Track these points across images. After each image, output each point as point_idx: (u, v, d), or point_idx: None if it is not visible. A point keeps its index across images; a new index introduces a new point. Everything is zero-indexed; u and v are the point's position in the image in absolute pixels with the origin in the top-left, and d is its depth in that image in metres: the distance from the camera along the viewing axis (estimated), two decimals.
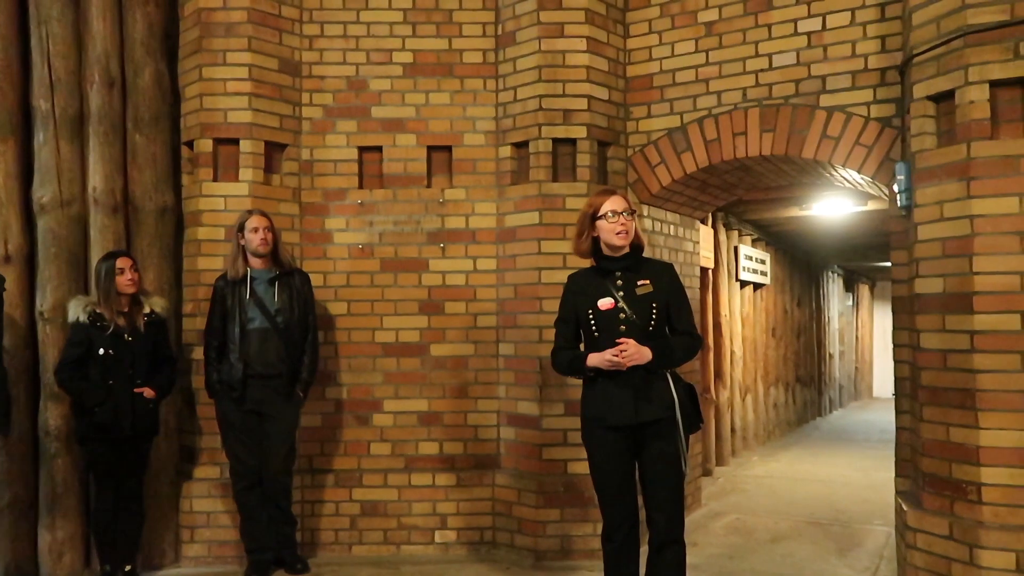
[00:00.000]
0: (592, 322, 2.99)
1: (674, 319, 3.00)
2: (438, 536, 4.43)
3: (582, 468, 4.04)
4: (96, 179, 4.12)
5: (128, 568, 3.88)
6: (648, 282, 2.96)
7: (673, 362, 2.96)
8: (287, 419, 4.04)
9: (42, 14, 4.05)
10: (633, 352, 2.83)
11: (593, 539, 3.94)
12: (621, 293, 2.95)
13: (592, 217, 3.00)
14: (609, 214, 2.96)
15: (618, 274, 2.98)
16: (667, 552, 2.94)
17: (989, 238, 3.16)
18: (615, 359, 2.84)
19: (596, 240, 3.02)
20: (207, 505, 4.27)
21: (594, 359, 2.92)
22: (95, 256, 4.03)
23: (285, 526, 4.12)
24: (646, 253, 4.62)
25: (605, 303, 2.96)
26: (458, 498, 4.44)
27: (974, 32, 3.16)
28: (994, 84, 3.16)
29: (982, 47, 3.15)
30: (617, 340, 2.87)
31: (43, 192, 4.03)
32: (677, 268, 4.98)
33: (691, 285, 5.22)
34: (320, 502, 4.43)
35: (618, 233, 2.95)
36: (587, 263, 3.13)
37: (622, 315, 2.93)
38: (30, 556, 3.99)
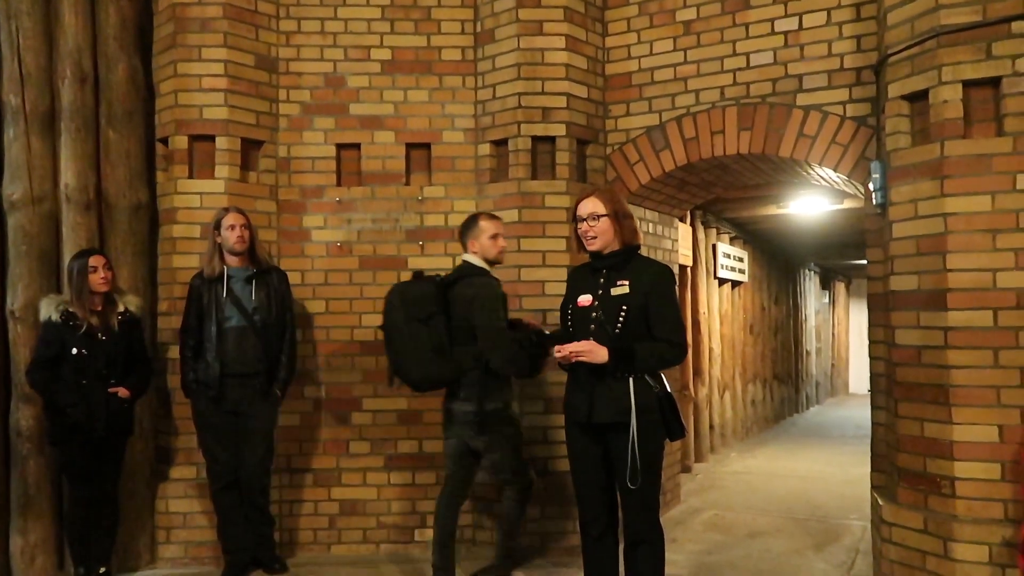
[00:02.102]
0: (569, 316, 3.02)
1: (652, 324, 2.90)
2: (418, 535, 4.42)
3: (561, 466, 4.05)
4: (68, 176, 4.05)
5: (103, 570, 3.83)
6: (627, 283, 2.92)
7: (636, 368, 2.84)
8: (265, 418, 4.01)
9: (12, 8, 3.98)
10: (583, 349, 2.81)
11: (573, 536, 3.94)
12: (600, 291, 2.95)
13: (573, 216, 3.05)
14: (578, 219, 3.00)
15: (604, 272, 2.98)
16: (638, 550, 2.94)
17: (962, 236, 3.20)
18: (557, 354, 2.88)
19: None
20: (183, 506, 4.23)
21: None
22: (67, 254, 3.97)
23: (263, 526, 4.08)
24: None
25: (583, 299, 2.97)
26: (437, 496, 4.41)
27: (947, 32, 3.20)
28: (967, 84, 3.20)
29: (955, 47, 3.20)
30: (578, 343, 2.86)
31: (13, 189, 3.96)
32: None
33: None
34: (298, 501, 4.40)
35: (586, 240, 2.98)
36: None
37: (594, 314, 2.92)
38: (2, 559, 3.93)
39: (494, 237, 3.70)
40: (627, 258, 2.98)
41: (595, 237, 2.95)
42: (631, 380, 2.86)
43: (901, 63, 3.39)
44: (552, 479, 4.22)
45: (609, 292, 2.93)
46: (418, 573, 4.07)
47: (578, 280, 3.08)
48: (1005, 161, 3.14)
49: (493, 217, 3.81)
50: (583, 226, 2.96)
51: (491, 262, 3.73)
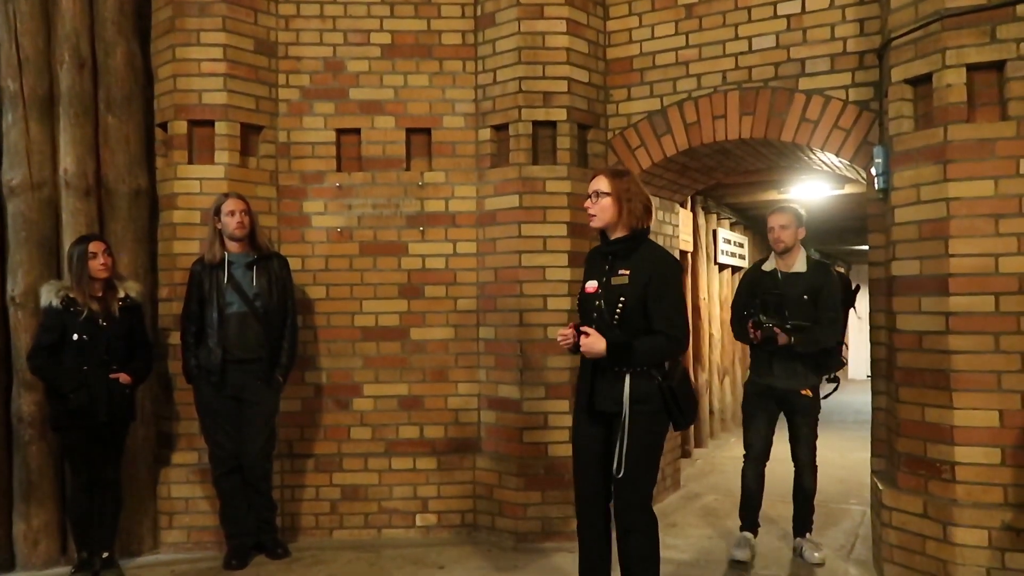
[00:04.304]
0: (578, 301, 3.02)
1: (651, 316, 2.83)
2: (419, 519, 4.44)
3: (562, 451, 4.07)
4: (67, 161, 4.04)
5: (106, 555, 3.84)
6: (627, 272, 2.87)
7: (631, 362, 2.80)
8: (267, 404, 4.01)
9: None
10: (586, 343, 2.79)
11: (574, 521, 3.95)
12: (605, 279, 2.92)
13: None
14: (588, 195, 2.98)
15: (610, 258, 2.95)
16: (630, 539, 2.92)
17: (965, 221, 3.20)
18: (559, 338, 2.89)
19: None
20: (185, 491, 4.24)
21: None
22: (67, 240, 3.96)
23: (265, 511, 4.10)
24: None
25: (590, 286, 2.96)
26: (439, 481, 4.44)
27: (951, 16, 3.18)
28: (971, 68, 3.19)
29: (959, 31, 3.18)
30: (583, 328, 2.84)
31: (13, 175, 3.95)
32: None
33: None
34: (300, 487, 4.42)
35: (588, 215, 2.96)
36: None
37: (597, 301, 2.90)
38: (5, 544, 3.94)
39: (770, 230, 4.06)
40: (634, 245, 2.91)
41: (594, 215, 2.93)
42: (627, 373, 2.83)
43: (904, 47, 3.37)
44: (553, 464, 4.24)
45: (611, 281, 2.90)
46: (419, 558, 4.10)
47: (590, 264, 3.06)
48: (1008, 145, 3.13)
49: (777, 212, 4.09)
50: (587, 202, 2.95)
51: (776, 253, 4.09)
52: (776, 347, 3.89)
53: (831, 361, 4.02)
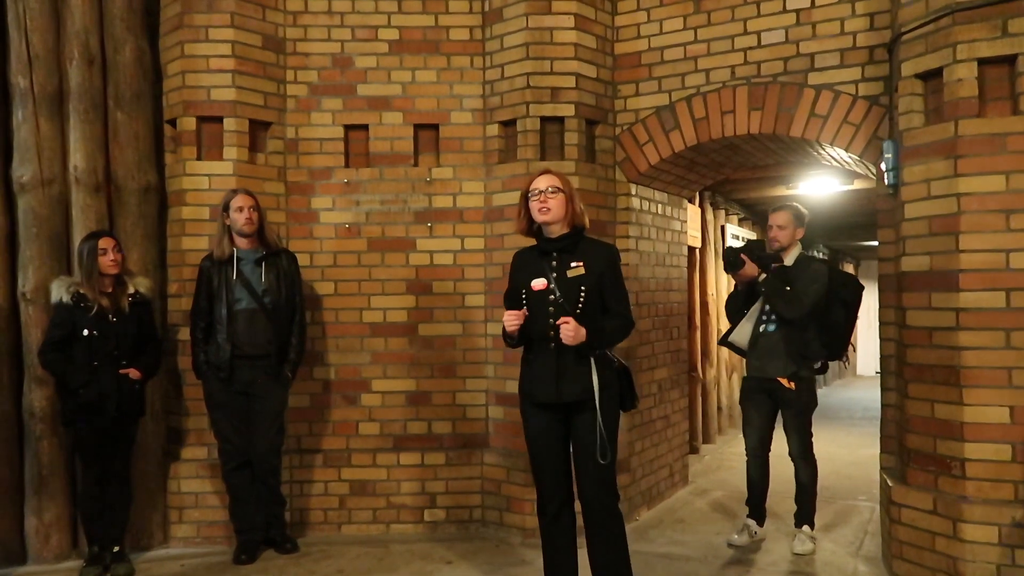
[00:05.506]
0: (524, 301, 3.03)
1: (608, 300, 3.00)
2: (427, 515, 4.45)
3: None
4: (77, 157, 4.05)
5: (116, 549, 3.87)
6: (581, 264, 2.97)
7: (605, 343, 2.97)
8: (275, 400, 4.03)
9: None
10: (570, 332, 2.84)
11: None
12: (555, 274, 2.98)
13: (525, 196, 3.05)
14: (533, 192, 3.01)
15: (554, 255, 3.01)
16: (600, 525, 2.96)
17: (975, 216, 3.18)
18: (509, 317, 2.94)
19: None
20: (195, 486, 4.26)
21: (510, 319, 2.96)
22: (77, 236, 3.98)
23: (274, 506, 4.12)
24: (632, 232, 4.65)
25: (538, 283, 2.99)
26: (447, 477, 4.45)
27: (962, 10, 3.16)
28: (982, 62, 3.16)
29: (970, 25, 3.16)
30: (558, 322, 2.88)
31: (23, 171, 3.97)
32: (665, 248, 5.00)
33: (679, 264, 5.23)
34: (309, 482, 4.43)
35: (539, 210, 2.99)
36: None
37: (552, 296, 2.95)
38: (17, 538, 3.97)
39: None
40: (577, 240, 3.02)
41: (549, 209, 2.97)
42: (592, 358, 2.93)
43: (915, 41, 3.35)
44: None
45: (565, 274, 2.97)
46: (427, 553, 4.11)
47: (527, 264, 3.08)
48: (1020, 140, 3.11)
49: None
50: (540, 197, 2.97)
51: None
52: (746, 285, 4.12)
53: (809, 349, 4.05)
